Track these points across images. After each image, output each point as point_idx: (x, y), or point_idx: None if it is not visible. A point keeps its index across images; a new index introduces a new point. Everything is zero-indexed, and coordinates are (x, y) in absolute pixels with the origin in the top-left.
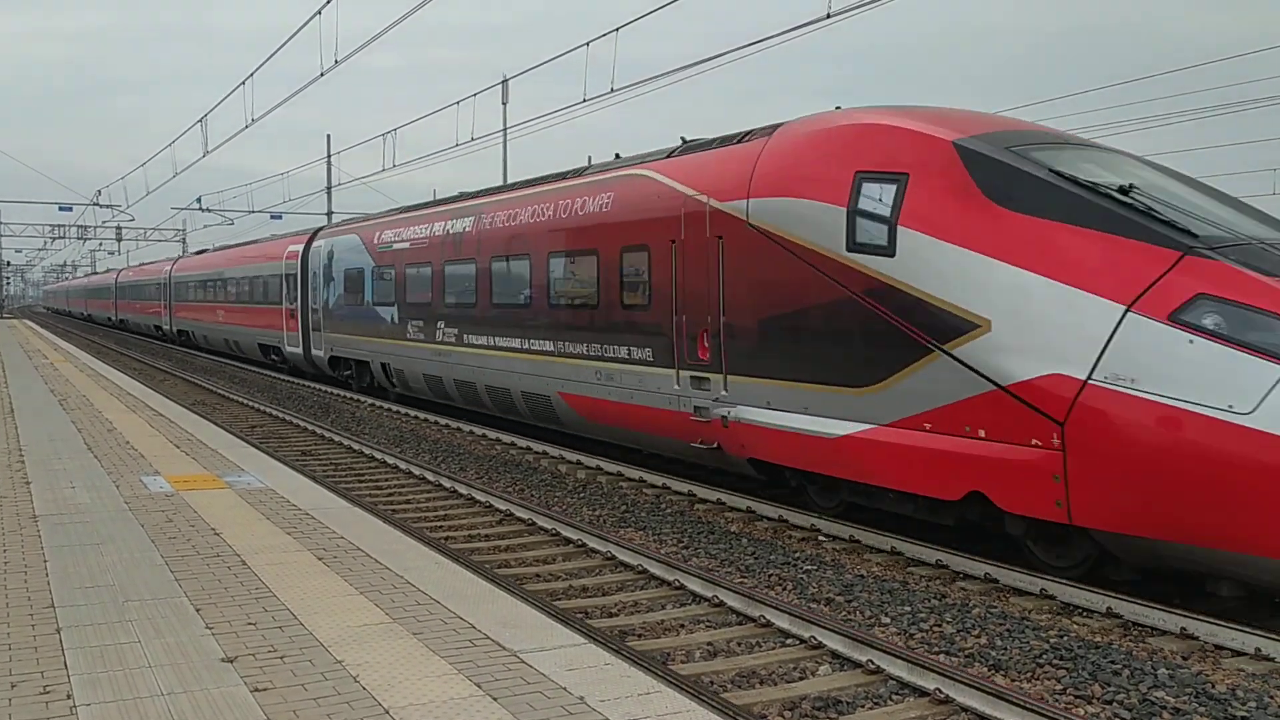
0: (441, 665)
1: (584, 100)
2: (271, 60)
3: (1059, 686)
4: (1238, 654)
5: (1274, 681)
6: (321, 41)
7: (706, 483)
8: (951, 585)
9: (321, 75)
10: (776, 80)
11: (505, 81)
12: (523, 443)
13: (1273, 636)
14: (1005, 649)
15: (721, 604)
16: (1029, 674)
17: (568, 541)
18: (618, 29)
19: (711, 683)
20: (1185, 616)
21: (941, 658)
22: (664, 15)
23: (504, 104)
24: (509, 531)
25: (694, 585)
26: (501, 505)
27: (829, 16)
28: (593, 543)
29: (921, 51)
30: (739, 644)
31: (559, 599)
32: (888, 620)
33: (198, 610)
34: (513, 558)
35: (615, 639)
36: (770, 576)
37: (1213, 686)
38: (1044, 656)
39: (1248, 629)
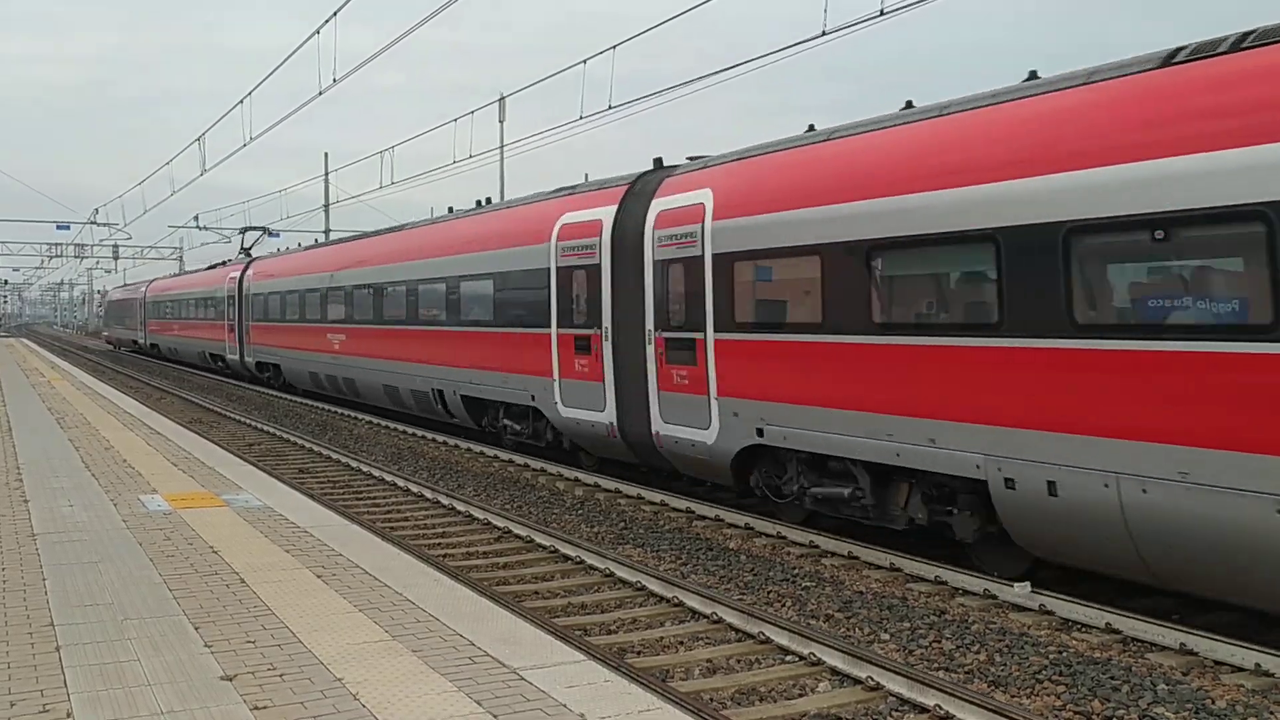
0: (442, 683)
1: (580, 117)
2: (272, 79)
3: (1059, 703)
4: (1237, 670)
5: (1274, 697)
6: (320, 60)
7: (705, 499)
8: (950, 601)
9: (320, 94)
10: (778, 97)
11: (502, 99)
12: (520, 460)
13: (1272, 652)
14: (1005, 665)
15: (720, 621)
16: (1029, 690)
17: (566, 559)
18: (615, 46)
19: (711, 700)
20: (1185, 632)
21: (941, 674)
22: (662, 33)
23: (500, 121)
24: (507, 549)
25: (693, 602)
26: (499, 522)
27: (824, 34)
28: (591, 560)
29: (917, 69)
30: (738, 661)
31: (558, 616)
32: (887, 637)
33: (197, 628)
34: (511, 575)
35: (614, 656)
36: (769, 593)
37: (1212, 702)
38: (1044, 672)
39: (1247, 645)
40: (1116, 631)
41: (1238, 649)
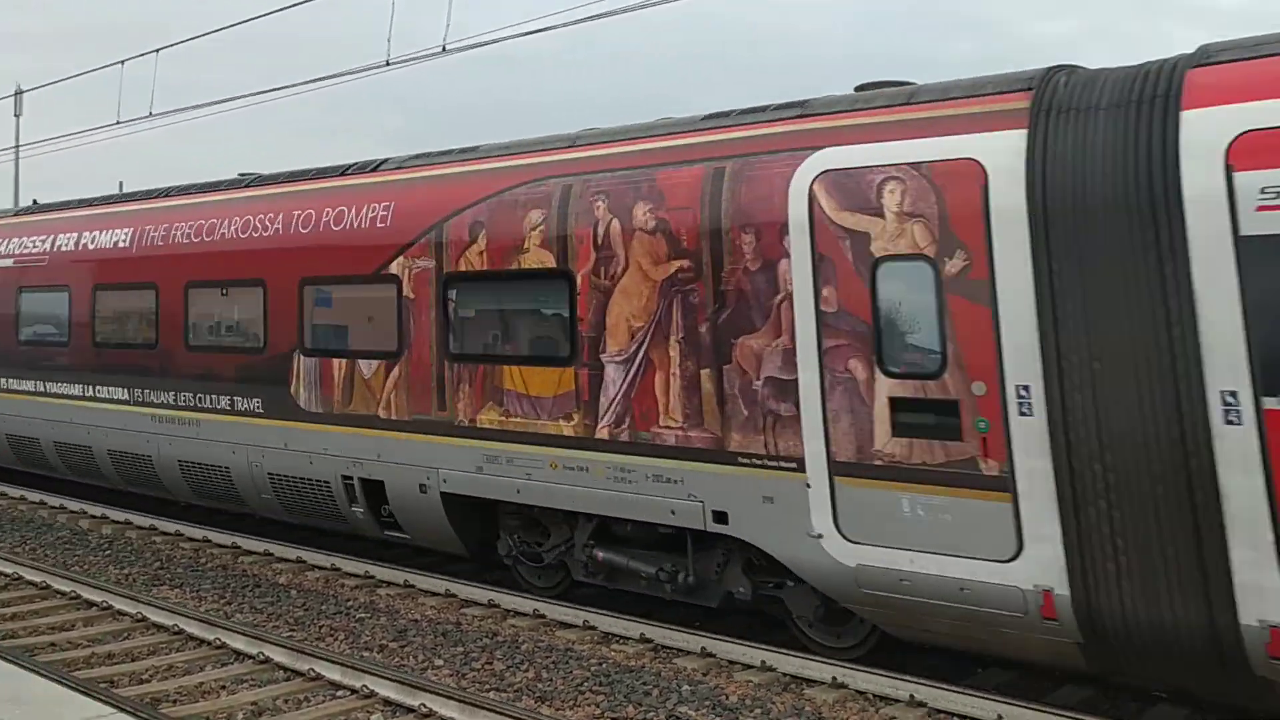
0: None
1: (118, 122)
2: None
3: (598, 710)
4: (747, 667)
5: (775, 689)
6: None
7: (251, 534)
8: (503, 623)
9: None
10: (346, 119)
11: (20, 93)
12: (34, 496)
13: (776, 650)
14: (551, 680)
15: (268, 660)
16: (571, 702)
17: (90, 604)
18: (158, 50)
19: None
20: (705, 637)
21: (492, 694)
22: (217, 42)
23: (17, 115)
24: (17, 597)
25: (237, 643)
26: (8, 569)
27: (388, 64)
28: (120, 604)
29: (478, 109)
30: (286, 700)
31: (79, 668)
32: (441, 662)
33: None
34: (21, 626)
35: (145, 707)
36: (321, 628)
37: (726, 698)
38: (585, 684)
39: (756, 645)
40: (649, 641)
41: (748, 649)
